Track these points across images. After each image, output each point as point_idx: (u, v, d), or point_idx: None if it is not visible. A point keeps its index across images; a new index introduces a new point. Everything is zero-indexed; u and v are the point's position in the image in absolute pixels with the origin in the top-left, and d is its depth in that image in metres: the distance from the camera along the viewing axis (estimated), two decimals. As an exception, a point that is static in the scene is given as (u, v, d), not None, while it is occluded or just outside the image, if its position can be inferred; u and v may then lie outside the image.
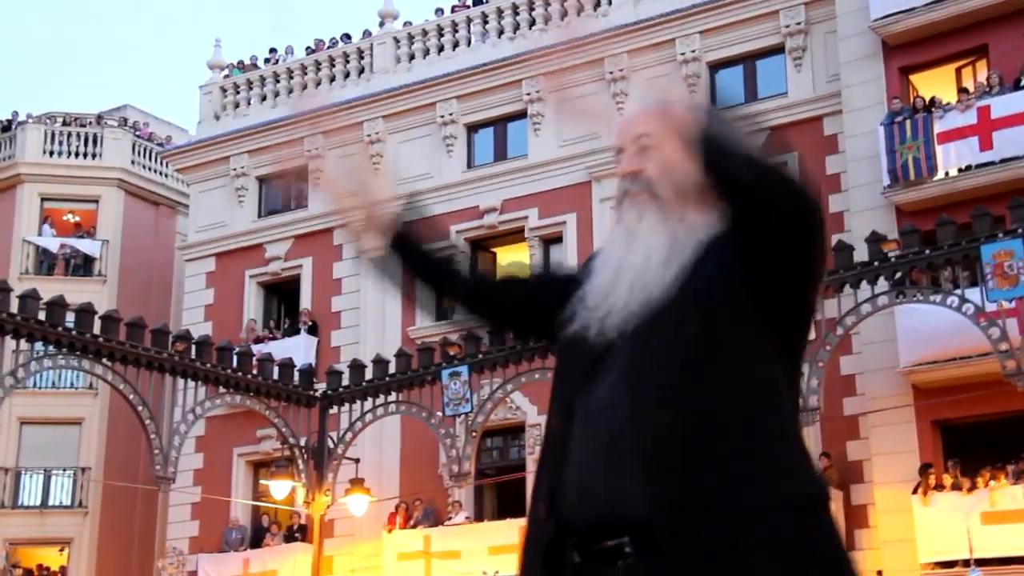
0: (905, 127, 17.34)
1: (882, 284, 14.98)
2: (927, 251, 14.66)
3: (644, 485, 2.06)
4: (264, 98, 24.87)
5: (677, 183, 2.25)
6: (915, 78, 18.61)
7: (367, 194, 2.57)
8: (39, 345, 15.41)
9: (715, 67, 20.66)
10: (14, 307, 15.02)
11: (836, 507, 16.73)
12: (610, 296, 2.24)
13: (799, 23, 19.73)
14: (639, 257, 2.23)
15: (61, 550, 25.40)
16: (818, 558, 2.06)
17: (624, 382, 2.15)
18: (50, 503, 25.65)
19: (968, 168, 17.09)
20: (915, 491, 16.06)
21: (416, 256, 2.57)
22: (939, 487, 15.90)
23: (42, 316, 15.29)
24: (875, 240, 15.12)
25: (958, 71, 18.49)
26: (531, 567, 2.23)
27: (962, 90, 17.72)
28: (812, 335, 12.29)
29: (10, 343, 15.07)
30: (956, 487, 15.75)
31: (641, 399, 2.11)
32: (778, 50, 20.10)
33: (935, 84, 18.22)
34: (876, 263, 14.90)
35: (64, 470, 25.67)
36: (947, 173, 17.23)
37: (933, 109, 17.43)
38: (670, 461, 2.06)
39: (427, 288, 2.60)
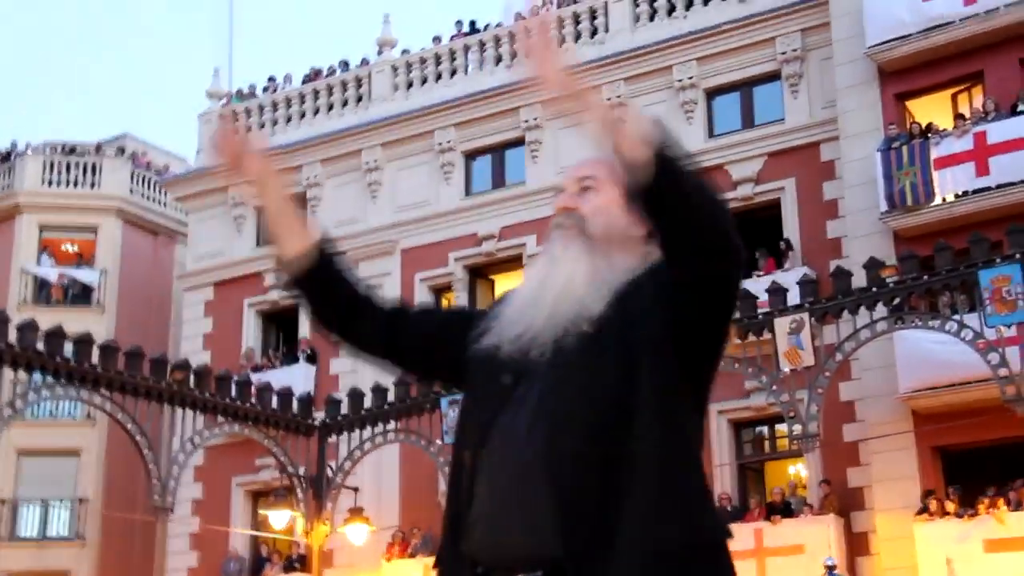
0: (902, 153, 17.38)
1: (880, 310, 14.98)
2: (925, 277, 14.68)
3: (556, 519, 2.07)
4: (263, 126, 24.93)
5: (608, 226, 2.31)
6: (911, 104, 18.67)
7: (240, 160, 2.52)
8: (37, 375, 15.40)
9: (712, 94, 20.73)
10: (12, 337, 15.02)
11: (838, 534, 16.70)
12: (529, 312, 2.26)
13: (795, 50, 19.80)
14: (560, 280, 2.26)
15: (60, 582, 25.29)
16: None
17: (540, 413, 2.16)
18: (49, 535, 25.54)
19: (965, 194, 17.12)
20: (916, 517, 15.99)
21: (328, 283, 2.47)
22: (941, 513, 15.84)
23: (40, 346, 15.29)
24: (873, 266, 15.14)
25: (954, 97, 18.55)
26: None
27: (958, 116, 17.78)
28: (812, 361, 12.30)
29: (8, 373, 15.07)
30: (958, 514, 15.70)
31: (557, 431, 2.12)
32: (774, 77, 20.17)
33: (931, 110, 18.28)
34: (874, 289, 14.91)
35: (62, 501, 25.58)
36: (944, 199, 17.26)
37: (930, 135, 17.49)
38: (583, 496, 2.08)
39: (329, 319, 2.50)
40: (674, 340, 2.16)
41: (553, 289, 2.26)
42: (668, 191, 2.06)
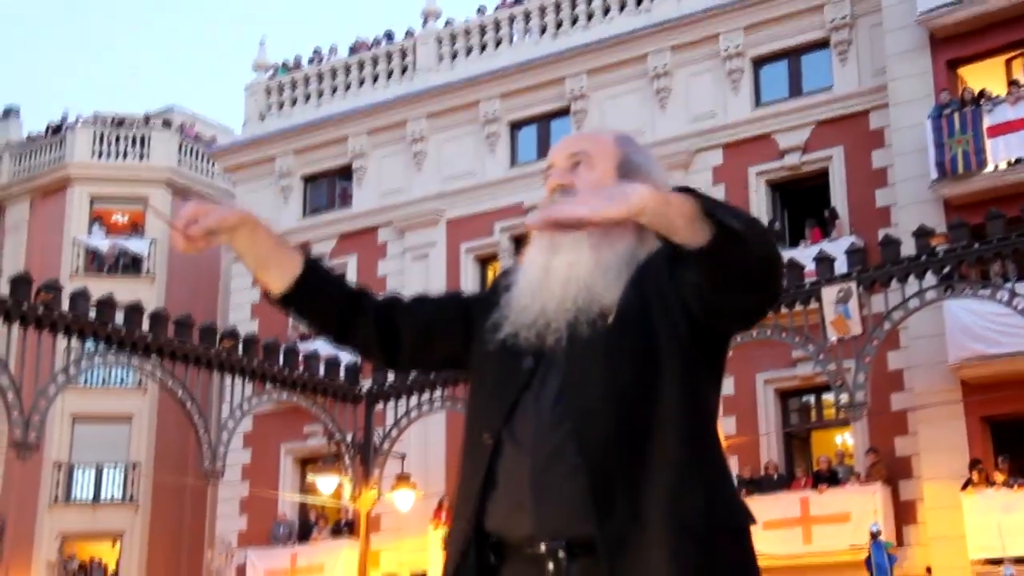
0: (953, 120, 17.17)
1: (930, 279, 14.84)
2: (976, 245, 14.51)
3: (588, 500, 2.09)
4: (309, 97, 25.05)
5: None
6: (963, 71, 18.42)
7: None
8: (90, 343, 15.62)
9: (759, 62, 20.56)
10: (65, 306, 15.24)
11: (884, 502, 16.66)
12: (539, 298, 2.24)
13: (844, 17, 19.58)
14: (565, 263, 2.24)
15: (113, 543, 25.78)
16: None
17: (564, 399, 2.17)
18: (102, 497, 26.05)
19: (1018, 161, 16.89)
20: (964, 487, 15.91)
21: (317, 290, 2.44)
22: (989, 483, 15.75)
23: (92, 314, 15.50)
24: (923, 234, 14.99)
25: (1008, 63, 18.28)
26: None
27: (1012, 82, 17.52)
28: (859, 330, 12.22)
29: (62, 341, 15.30)
30: (1006, 484, 15.59)
31: (583, 416, 2.13)
32: (823, 44, 19.96)
33: (984, 77, 18.02)
34: (924, 257, 14.77)
35: (115, 465, 26.05)
36: (997, 167, 17.05)
37: (982, 102, 17.25)
38: (613, 478, 2.09)
39: (325, 326, 2.49)
40: (690, 322, 2.16)
41: (558, 273, 2.24)
42: (728, 253, 2.00)
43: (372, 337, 2.46)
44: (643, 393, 2.13)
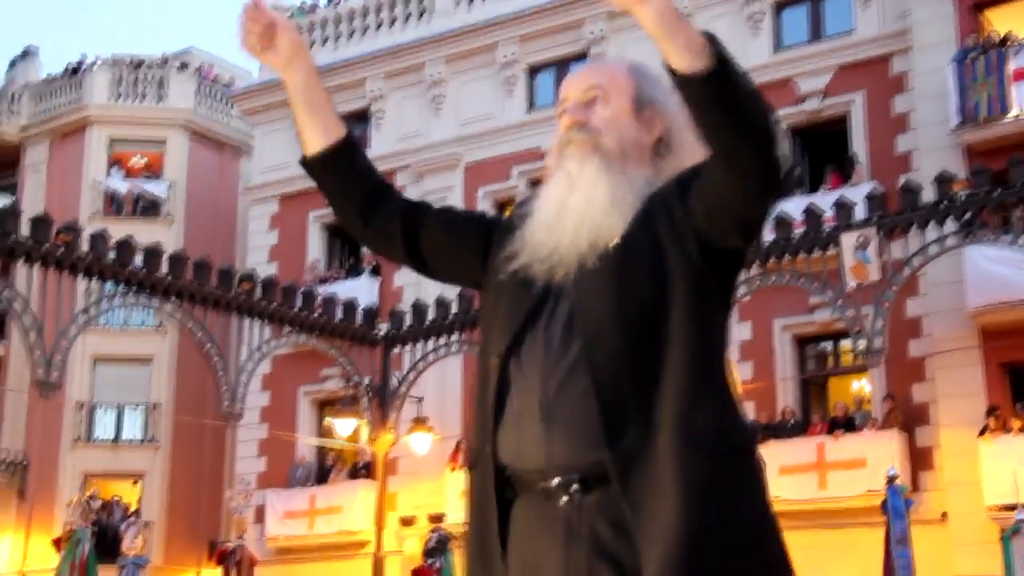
0: (977, 65, 16.97)
1: (950, 225, 14.75)
2: (998, 191, 14.40)
3: (599, 424, 2.09)
4: (326, 40, 24.91)
5: (621, 138, 2.26)
6: (989, 13, 18.17)
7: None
8: (109, 285, 15.71)
9: (780, 6, 20.32)
10: (85, 247, 15.32)
11: (901, 449, 16.70)
12: (553, 234, 2.23)
13: (868, -42, 19.30)
14: (581, 201, 2.22)
15: (134, 483, 26.10)
16: (752, 502, 2.13)
17: (573, 324, 2.17)
18: (123, 437, 26.34)
19: (1042, 106, 16.71)
20: (981, 434, 15.92)
21: (349, 163, 2.43)
22: (1006, 429, 15.75)
23: (112, 256, 15.58)
24: (944, 180, 14.87)
25: (1033, 6, 18.02)
26: (481, 509, 2.24)
27: (1037, 26, 17.29)
28: (878, 277, 12.17)
29: (81, 283, 15.39)
30: (1023, 430, 15.60)
31: (592, 341, 2.13)
32: (846, -13, 19.70)
33: (1010, 19, 17.77)
34: (944, 203, 14.67)
35: (136, 406, 26.31)
36: (1020, 112, 16.86)
37: (1007, 45, 17.02)
38: (623, 402, 2.09)
39: (345, 207, 2.46)
40: (702, 250, 2.16)
41: (574, 209, 2.23)
42: (724, 98, 1.99)
43: (395, 228, 2.43)
44: (651, 314, 2.13)
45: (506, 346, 2.22)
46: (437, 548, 17.72)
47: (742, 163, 2.04)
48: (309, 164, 2.43)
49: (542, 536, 2.14)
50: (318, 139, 2.40)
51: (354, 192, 2.43)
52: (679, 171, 2.24)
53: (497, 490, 2.19)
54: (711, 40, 1.99)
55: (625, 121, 2.28)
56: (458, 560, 17.86)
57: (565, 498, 2.12)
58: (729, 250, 2.19)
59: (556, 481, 2.12)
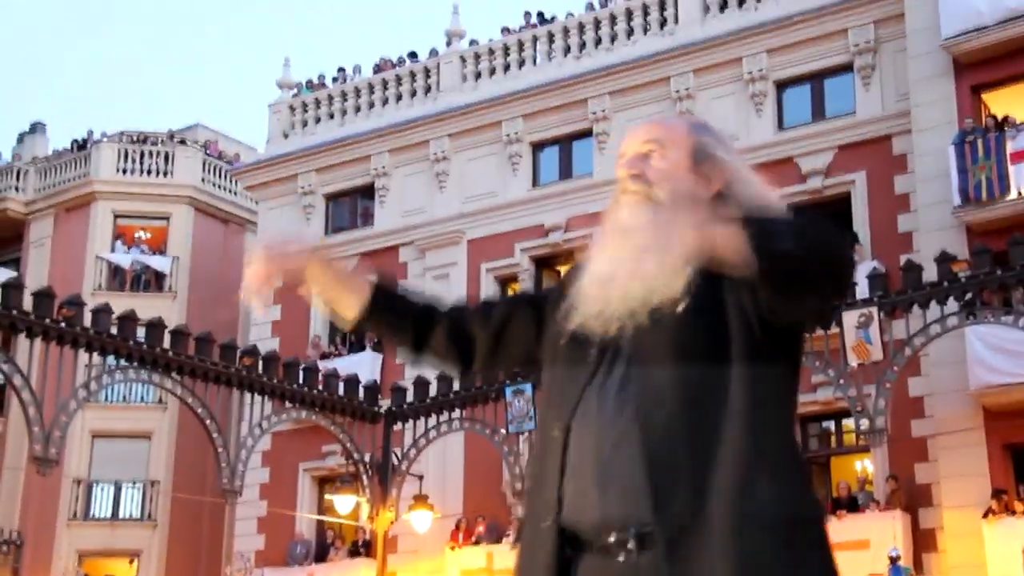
0: (977, 146, 17.10)
1: (952, 305, 14.76)
2: (998, 271, 14.43)
3: (649, 488, 2.09)
4: (332, 116, 25.16)
5: (675, 191, 2.26)
6: (987, 96, 18.36)
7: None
8: (111, 359, 15.70)
9: (782, 85, 20.55)
10: (87, 321, 15.33)
11: (904, 529, 16.51)
12: (606, 288, 2.24)
13: (868, 41, 19.56)
14: (633, 254, 2.22)
15: (131, 561, 25.82)
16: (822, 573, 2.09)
17: (629, 387, 2.17)
18: (120, 515, 26.11)
19: (1042, 188, 16.80)
20: (985, 516, 15.77)
21: (394, 310, 2.53)
22: (1010, 511, 15.61)
23: (114, 330, 15.58)
24: (945, 260, 14.91)
25: (1032, 89, 18.20)
26: (530, 571, 2.24)
27: (1036, 109, 17.45)
28: (880, 356, 12.13)
29: (83, 357, 15.38)
30: (1028, 513, 15.45)
31: (647, 404, 2.13)
32: (847, 68, 19.93)
33: (1008, 102, 17.95)
34: (946, 283, 14.69)
35: (134, 483, 26.12)
36: (1020, 193, 16.96)
37: (1006, 128, 17.18)
38: (676, 466, 2.09)
39: (398, 340, 2.56)
40: (763, 323, 2.15)
41: (627, 266, 2.23)
42: (786, 275, 2.05)
43: (448, 348, 2.51)
44: (710, 381, 2.12)
45: (568, 419, 2.22)
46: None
47: (808, 305, 2.15)
48: (353, 329, 2.57)
49: None
50: (349, 308, 2.52)
51: (401, 333, 2.54)
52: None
53: (560, 550, 2.18)
54: (748, 233, 2.03)
55: (681, 175, 2.29)
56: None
57: (623, 556, 2.11)
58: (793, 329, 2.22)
59: (613, 538, 2.12)
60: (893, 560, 14.90)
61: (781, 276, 2.04)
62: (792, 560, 2.05)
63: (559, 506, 2.19)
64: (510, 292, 22.39)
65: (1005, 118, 17.42)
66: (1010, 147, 16.91)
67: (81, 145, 29.65)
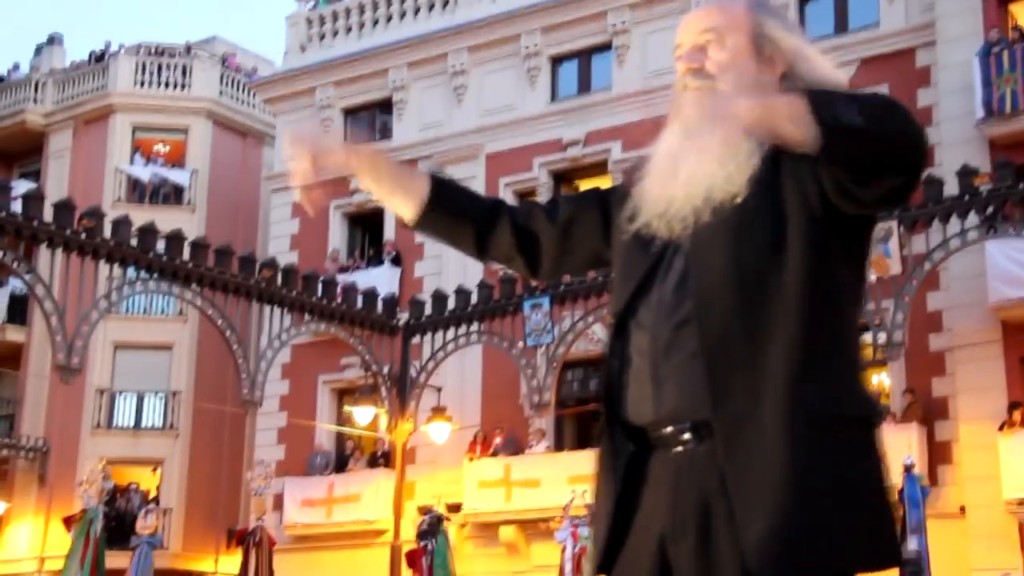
0: (1002, 58, 16.86)
1: (972, 219, 14.67)
2: (1021, 185, 14.31)
3: (707, 382, 2.07)
4: (350, 30, 24.94)
5: (738, 81, 2.19)
6: (1014, 7, 18.06)
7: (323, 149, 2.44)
8: (131, 271, 15.79)
9: (805, -1, 20.23)
10: (107, 233, 15.40)
11: (920, 442, 16.61)
12: (669, 187, 2.20)
13: (893, -49, 19.19)
14: (695, 151, 2.18)
15: (154, 470, 26.25)
16: (862, 476, 2.08)
17: (686, 281, 2.15)
18: (143, 424, 26.50)
19: (1067, 101, 16.59)
20: (1001, 428, 15.85)
21: (453, 206, 2.46)
22: (1026, 424, 15.68)
23: (134, 242, 15.65)
24: (966, 173, 14.78)
25: (1060, 0, 17.91)
26: (603, 464, 2.26)
27: (1064, 20, 17.17)
28: (899, 270, 12.10)
29: (104, 268, 15.47)
30: (1043, 426, 15.53)
31: (703, 298, 2.11)
32: (871, -21, 19.60)
33: (1035, 14, 17.67)
34: (967, 197, 14.58)
35: (156, 393, 26.45)
36: (1045, 106, 16.75)
37: (1033, 39, 16.92)
38: (732, 361, 2.07)
39: (459, 235, 2.49)
40: (825, 206, 2.10)
41: (688, 162, 2.19)
42: (851, 148, 1.98)
43: (513, 249, 2.46)
44: (767, 274, 2.08)
45: (621, 308, 2.23)
46: (429, 531, 17.78)
47: (883, 176, 2.03)
48: (415, 227, 2.47)
49: (658, 483, 2.14)
50: (407, 207, 2.44)
51: (463, 232, 2.46)
52: None
53: (618, 444, 2.20)
54: (810, 103, 1.98)
55: (743, 62, 2.21)
56: (451, 541, 17.97)
57: (679, 448, 2.13)
58: (861, 216, 2.15)
59: (669, 430, 2.13)
60: (907, 468, 15.01)
61: (850, 150, 1.98)
62: (834, 458, 2.03)
63: (622, 403, 2.20)
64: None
65: (1032, 30, 17.14)
66: (1037, 59, 16.67)
67: (99, 57, 29.53)
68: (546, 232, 2.44)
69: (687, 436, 2.11)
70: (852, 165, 2.00)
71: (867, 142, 1.98)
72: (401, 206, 2.44)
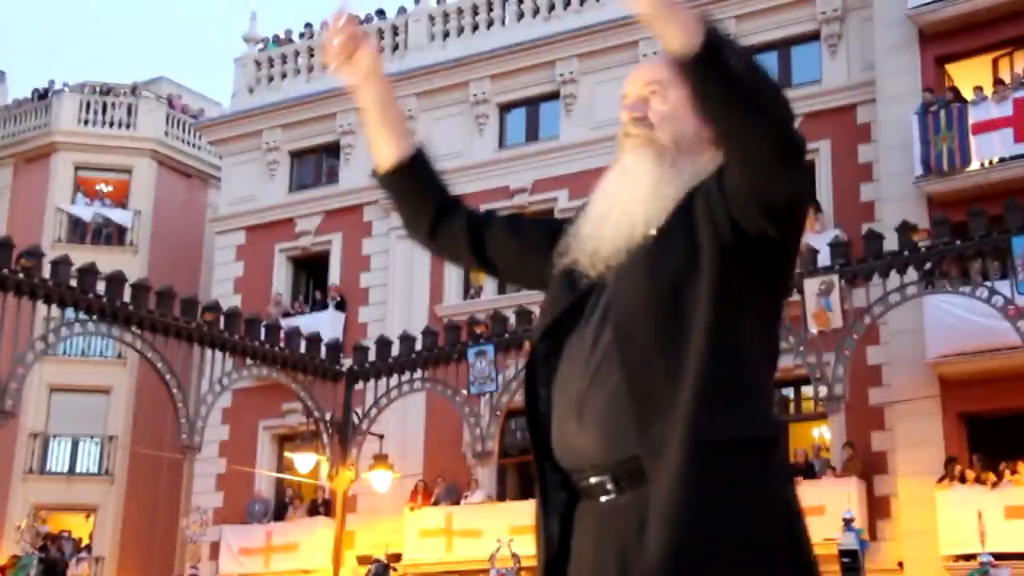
0: (939, 117, 17.21)
1: (911, 274, 14.90)
2: (958, 242, 14.57)
3: (632, 416, 2.10)
4: (298, 72, 24.93)
5: (676, 132, 2.29)
6: (951, 68, 18.46)
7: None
8: (70, 312, 15.56)
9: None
10: (46, 273, 15.18)
11: (859, 496, 16.72)
12: (600, 228, 2.29)
13: (835, 10, 19.58)
14: (627, 194, 2.28)
15: (87, 516, 25.70)
16: (762, 498, 2.09)
17: (606, 320, 2.20)
18: (77, 470, 25.96)
19: (1002, 160, 16.94)
20: (939, 483, 15.99)
21: (420, 175, 2.53)
22: (963, 480, 15.83)
23: (73, 283, 15.44)
24: (906, 229, 15.04)
25: (995, 61, 18.33)
26: (539, 515, 2.29)
27: (998, 81, 17.56)
28: (840, 324, 12.26)
29: (41, 309, 15.23)
30: (980, 480, 15.68)
31: (622, 337, 2.15)
32: (813, 37, 19.96)
33: (971, 74, 18.06)
34: (906, 253, 14.83)
35: (92, 437, 25.96)
36: (981, 164, 17.10)
37: (968, 100, 17.29)
38: (651, 398, 2.10)
39: (418, 207, 2.55)
40: (738, 238, 2.14)
41: (620, 204, 2.29)
42: (720, 76, 2.02)
43: (462, 236, 2.52)
44: (679, 303, 2.13)
45: (537, 339, 2.28)
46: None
47: (748, 140, 2.05)
48: (382, 178, 2.51)
49: (584, 535, 2.19)
50: (391, 153, 2.50)
51: (426, 204, 2.52)
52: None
53: (546, 487, 2.24)
54: (703, 21, 2.02)
55: (683, 115, 2.29)
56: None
57: (603, 498, 2.16)
58: (769, 239, 2.16)
59: (593, 481, 2.17)
60: (847, 522, 15.10)
61: (725, 86, 2.01)
62: (735, 482, 2.05)
63: (548, 445, 2.23)
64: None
65: (968, 89, 17.50)
66: (971, 118, 17.02)
67: (42, 95, 29.22)
68: (498, 233, 2.53)
69: (610, 487, 2.15)
70: (720, 102, 2.04)
71: (742, 86, 2.02)
72: (382, 147, 2.50)
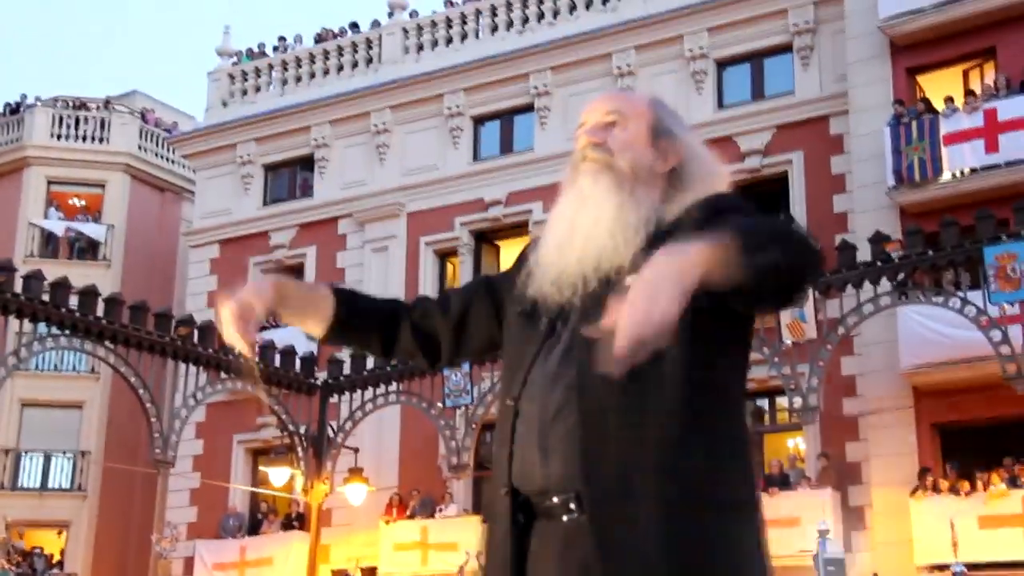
0: (911, 128, 17.32)
1: (884, 285, 14.97)
2: (930, 252, 14.65)
3: (581, 460, 2.11)
4: (272, 86, 24.89)
5: (634, 162, 2.31)
6: (922, 79, 18.59)
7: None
8: (42, 327, 15.45)
9: (722, 64, 20.65)
10: (18, 287, 15.07)
11: (834, 507, 16.75)
12: (563, 254, 2.28)
13: (807, 22, 19.70)
14: (589, 220, 2.27)
15: (59, 533, 25.45)
16: (739, 561, 2.09)
17: (569, 358, 2.20)
18: (50, 485, 25.71)
19: (974, 171, 17.06)
20: (913, 493, 16.05)
21: (358, 323, 2.57)
22: (937, 490, 15.90)
23: (46, 297, 15.32)
24: (878, 240, 15.12)
25: (965, 73, 18.47)
26: (492, 538, 2.28)
27: (969, 92, 17.70)
28: (815, 335, 12.30)
29: (13, 324, 15.12)
30: (954, 490, 15.75)
31: (583, 377, 2.14)
32: (786, 48, 20.08)
33: (942, 85, 18.20)
34: (879, 263, 14.90)
35: (64, 453, 25.73)
36: (953, 175, 17.22)
37: (939, 111, 17.42)
38: (606, 440, 2.10)
39: (367, 348, 2.66)
40: (709, 301, 2.09)
41: (583, 228, 2.27)
42: (768, 284, 2.06)
43: (414, 348, 2.58)
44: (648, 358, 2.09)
45: (519, 390, 2.26)
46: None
47: (770, 303, 2.18)
48: (324, 340, 2.63)
49: (544, 557, 2.18)
50: (316, 327, 2.56)
51: (368, 340, 2.61)
52: (693, 203, 2.25)
53: (514, 516, 2.23)
54: (739, 249, 2.01)
55: (641, 147, 2.33)
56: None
57: (564, 518, 2.16)
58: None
59: (555, 500, 2.16)
60: (822, 533, 15.13)
61: (765, 286, 2.05)
62: (720, 542, 2.06)
63: (511, 473, 2.23)
64: (449, 267, 22.36)
65: (939, 100, 17.63)
66: (943, 129, 17.15)
67: (14, 109, 29.04)
68: (442, 328, 2.55)
69: (572, 506, 2.14)
70: (761, 295, 2.10)
71: (781, 276, 2.06)
72: (312, 326, 2.55)
